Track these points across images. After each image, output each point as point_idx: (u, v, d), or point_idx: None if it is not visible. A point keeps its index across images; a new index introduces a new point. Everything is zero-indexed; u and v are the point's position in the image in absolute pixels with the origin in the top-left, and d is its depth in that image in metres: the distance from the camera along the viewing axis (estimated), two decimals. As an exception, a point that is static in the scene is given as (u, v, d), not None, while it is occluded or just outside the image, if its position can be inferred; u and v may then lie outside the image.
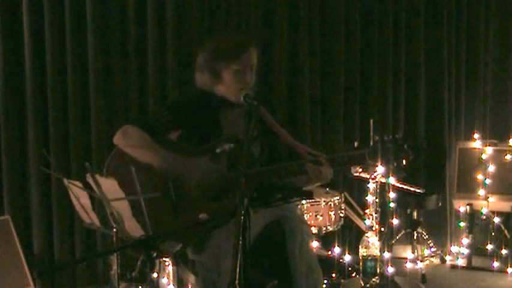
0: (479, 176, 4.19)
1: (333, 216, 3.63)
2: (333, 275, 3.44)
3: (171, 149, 2.44)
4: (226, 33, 2.81)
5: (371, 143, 2.32)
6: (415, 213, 4.20)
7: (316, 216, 3.58)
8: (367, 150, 2.28)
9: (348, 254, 3.88)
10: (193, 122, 2.50)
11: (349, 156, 2.32)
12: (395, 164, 2.29)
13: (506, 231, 4.26)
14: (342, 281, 3.43)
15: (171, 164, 2.40)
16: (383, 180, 3.77)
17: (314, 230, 3.59)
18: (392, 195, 3.98)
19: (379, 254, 3.36)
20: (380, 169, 3.47)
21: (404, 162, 2.28)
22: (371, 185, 3.68)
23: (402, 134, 2.29)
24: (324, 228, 3.63)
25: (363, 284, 3.31)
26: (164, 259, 3.05)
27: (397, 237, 4.29)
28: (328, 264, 3.47)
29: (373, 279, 3.30)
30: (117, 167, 2.44)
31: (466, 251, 4.27)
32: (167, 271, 3.13)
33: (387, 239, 4.15)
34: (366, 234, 3.39)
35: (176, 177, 2.41)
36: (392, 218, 4.12)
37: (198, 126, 2.50)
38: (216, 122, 2.53)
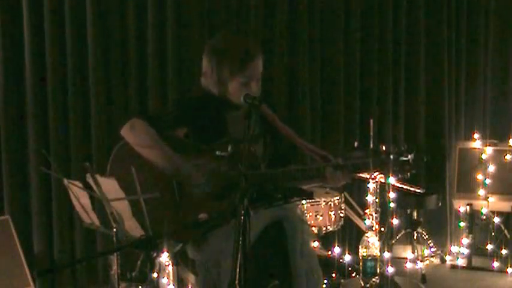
0: (479, 176, 4.19)
1: (333, 216, 3.63)
2: (333, 275, 3.44)
3: (176, 146, 2.45)
4: (231, 36, 2.72)
5: (371, 144, 2.32)
6: (415, 213, 4.20)
7: (316, 216, 3.58)
8: (372, 160, 2.27)
9: (348, 254, 3.88)
10: (199, 120, 2.50)
11: (354, 165, 2.32)
12: (399, 176, 2.29)
13: (506, 231, 4.26)
14: (342, 281, 3.43)
15: (174, 165, 2.40)
16: (383, 180, 3.76)
17: (314, 230, 3.59)
18: (392, 195, 3.98)
19: (379, 254, 3.35)
20: (380, 169, 3.47)
21: (408, 175, 2.28)
22: (371, 185, 3.67)
23: (407, 146, 2.29)
24: (324, 228, 3.63)
25: (363, 284, 3.31)
26: (164, 259, 3.05)
27: (397, 237, 4.29)
28: (328, 264, 3.47)
29: (373, 279, 3.30)
30: (119, 165, 2.44)
31: (466, 251, 4.27)
32: (167, 271, 3.13)
33: (387, 239, 4.15)
34: (366, 234, 3.39)
35: (179, 176, 2.41)
36: (392, 218, 4.12)
37: (204, 125, 2.50)
38: (222, 121, 2.53)
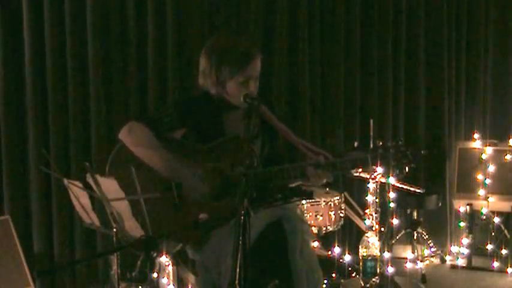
0: (479, 176, 4.19)
1: (333, 216, 3.63)
2: (333, 275, 3.44)
3: (175, 148, 2.44)
4: (229, 36, 2.71)
5: (371, 144, 2.33)
6: (415, 213, 4.20)
7: (316, 216, 3.58)
8: (370, 156, 2.28)
9: (348, 254, 3.88)
10: (197, 121, 2.50)
11: (352, 161, 2.32)
12: (397, 171, 2.30)
13: (506, 231, 4.26)
14: (342, 281, 3.42)
15: (172, 168, 2.40)
16: (383, 180, 3.76)
17: (314, 230, 3.59)
18: (392, 195, 3.98)
19: (379, 254, 3.36)
20: (380, 169, 3.47)
21: (406, 169, 2.29)
22: (371, 185, 3.68)
23: (404, 140, 2.30)
24: (324, 228, 3.63)
25: (363, 284, 3.31)
26: (164, 259, 3.05)
27: (397, 237, 4.30)
28: (328, 264, 3.47)
29: (373, 279, 3.30)
30: (118, 166, 2.44)
31: (466, 251, 4.27)
32: (167, 271, 3.13)
33: (387, 239, 4.16)
34: (366, 234, 3.39)
35: (176, 180, 2.41)
36: (392, 218, 4.12)
37: (202, 126, 2.50)
38: (219, 122, 2.53)
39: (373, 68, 4.41)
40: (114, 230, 2.37)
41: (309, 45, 4.18)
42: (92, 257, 3.93)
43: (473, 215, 4.28)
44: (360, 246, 3.36)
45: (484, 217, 4.26)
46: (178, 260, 2.80)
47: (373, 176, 3.61)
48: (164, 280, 3.16)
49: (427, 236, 4.32)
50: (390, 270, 3.67)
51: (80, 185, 2.43)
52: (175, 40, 3.79)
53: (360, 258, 3.35)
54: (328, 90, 4.30)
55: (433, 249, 4.36)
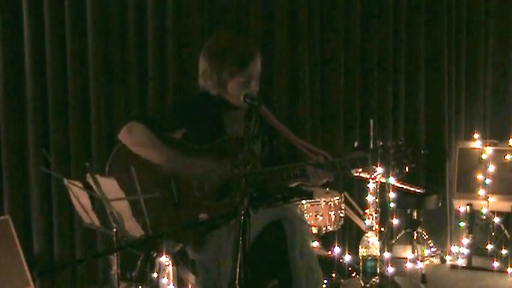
0: (479, 176, 4.18)
1: (333, 216, 3.63)
2: (333, 275, 3.44)
3: (175, 148, 2.45)
4: (228, 36, 2.70)
5: (371, 144, 2.33)
6: (415, 213, 4.20)
7: (316, 216, 3.58)
8: (370, 155, 2.28)
9: (348, 254, 3.88)
10: (197, 121, 2.51)
11: (351, 161, 2.32)
12: (397, 171, 2.30)
13: (506, 231, 4.26)
14: (342, 281, 3.42)
15: (174, 163, 2.41)
16: (383, 180, 3.76)
17: (314, 230, 3.59)
18: (392, 195, 3.98)
19: (379, 254, 3.35)
20: (380, 169, 3.47)
21: (407, 169, 2.29)
22: (371, 185, 3.68)
23: (404, 140, 2.30)
24: (324, 228, 3.63)
25: (363, 284, 3.31)
26: (164, 259, 3.05)
27: (397, 237, 4.30)
28: (328, 264, 3.47)
29: (373, 279, 3.30)
30: (118, 166, 2.45)
31: (466, 251, 4.27)
32: (167, 271, 3.13)
33: (387, 239, 4.15)
34: (366, 234, 3.39)
35: (178, 176, 2.41)
36: (392, 218, 4.12)
37: (202, 126, 2.51)
38: (219, 121, 2.53)
39: (373, 67, 4.40)
40: (114, 230, 2.37)
41: (309, 46, 4.18)
42: (92, 257, 3.93)
43: (473, 215, 4.28)
44: (360, 246, 3.36)
45: (484, 217, 4.26)
46: (178, 260, 2.80)
47: (373, 176, 3.61)
48: (164, 280, 3.16)
49: (427, 236, 4.32)
50: (390, 270, 3.67)
51: (80, 185, 2.43)
52: (175, 40, 3.79)
53: (360, 258, 3.35)
54: (328, 90, 4.30)
55: (433, 249, 4.36)
